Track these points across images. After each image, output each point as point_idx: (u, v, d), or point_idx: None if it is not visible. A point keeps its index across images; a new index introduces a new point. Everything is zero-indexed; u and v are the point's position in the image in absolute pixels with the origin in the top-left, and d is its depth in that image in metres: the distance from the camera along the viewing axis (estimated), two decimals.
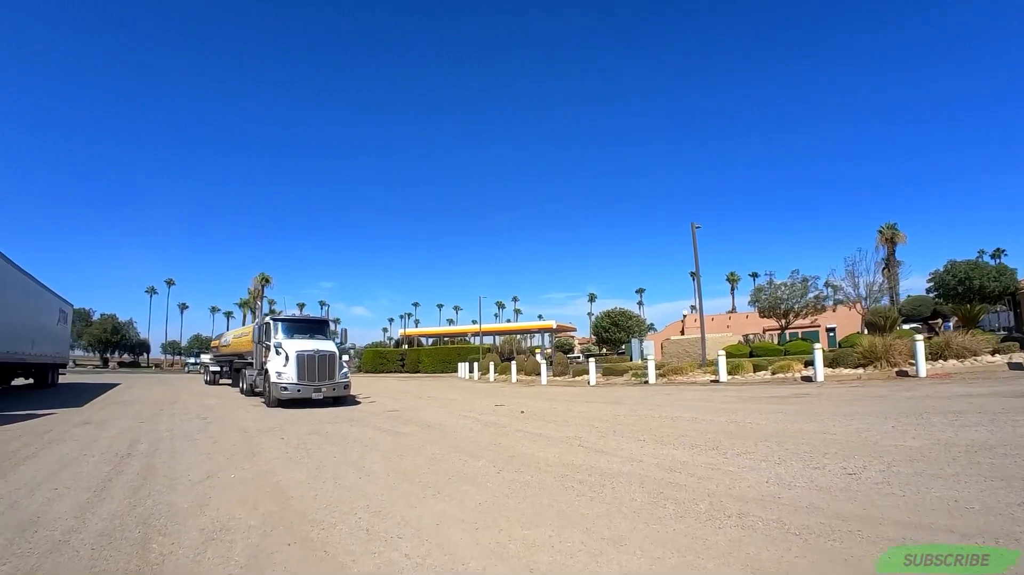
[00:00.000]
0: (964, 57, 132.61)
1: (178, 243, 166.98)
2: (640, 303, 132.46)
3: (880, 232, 56.41)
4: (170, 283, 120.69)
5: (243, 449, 9.79)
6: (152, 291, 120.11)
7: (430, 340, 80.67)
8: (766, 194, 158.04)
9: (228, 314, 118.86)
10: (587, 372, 28.50)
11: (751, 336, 45.34)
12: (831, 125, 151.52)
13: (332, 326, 21.16)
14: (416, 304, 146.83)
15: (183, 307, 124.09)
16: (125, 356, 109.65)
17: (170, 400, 21.82)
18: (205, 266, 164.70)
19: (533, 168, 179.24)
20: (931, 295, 43.21)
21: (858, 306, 37.40)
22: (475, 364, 42.40)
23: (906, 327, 36.72)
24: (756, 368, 23.22)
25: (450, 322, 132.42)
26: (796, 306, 37.06)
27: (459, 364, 47.11)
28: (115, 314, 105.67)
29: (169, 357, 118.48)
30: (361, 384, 37.41)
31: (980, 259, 37.84)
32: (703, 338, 27.85)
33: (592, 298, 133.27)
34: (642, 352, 56.99)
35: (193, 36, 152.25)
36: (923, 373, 17.95)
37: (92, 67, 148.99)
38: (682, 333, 63.28)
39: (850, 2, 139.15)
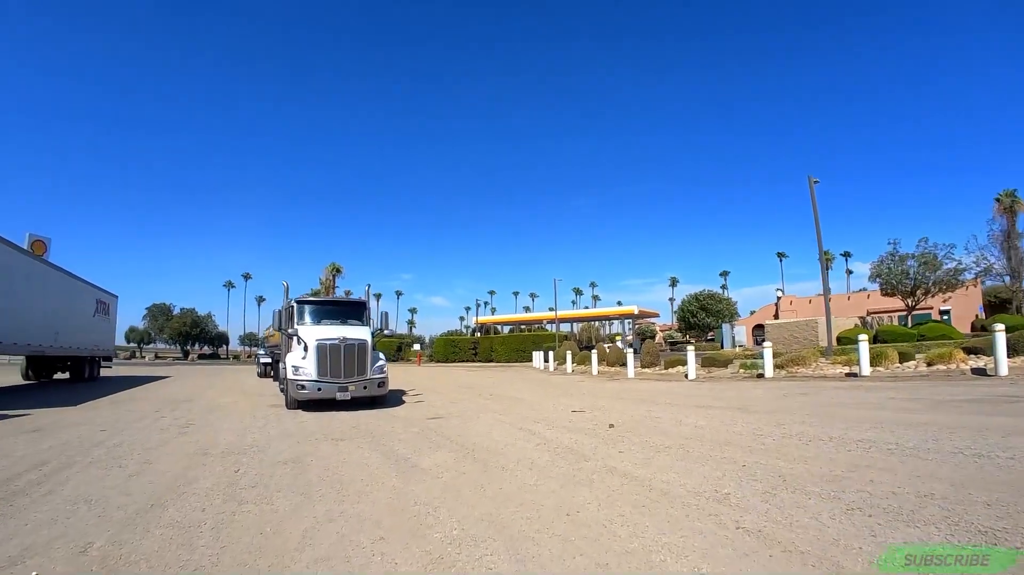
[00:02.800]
0: None
1: (257, 238, 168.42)
2: (724, 287, 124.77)
3: (998, 200, 49.84)
4: (247, 277, 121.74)
5: (152, 493, 6.07)
6: (230, 285, 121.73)
7: (507, 328, 78.09)
8: (854, 171, 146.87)
9: None
10: (682, 363, 23.89)
11: (869, 318, 39.51)
12: (914, 94, 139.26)
13: (369, 310, 17.38)
14: (492, 292, 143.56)
15: (260, 300, 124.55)
16: (205, 348, 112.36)
17: (188, 398, 18.64)
18: (283, 260, 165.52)
19: (606, 152, 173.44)
20: None
21: (977, 286, 31.52)
22: (551, 353, 38.27)
23: None
24: (903, 357, 18.24)
25: (526, 309, 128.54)
26: (930, 281, 31.04)
27: (534, 353, 43.15)
28: (194, 308, 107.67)
29: (247, 349, 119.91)
30: (423, 375, 34.39)
31: None
32: (828, 320, 22.79)
33: (673, 282, 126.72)
34: (733, 338, 52.17)
35: (279, 24, 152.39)
36: None
37: (184, 60, 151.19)
38: (776, 317, 58.01)
39: None
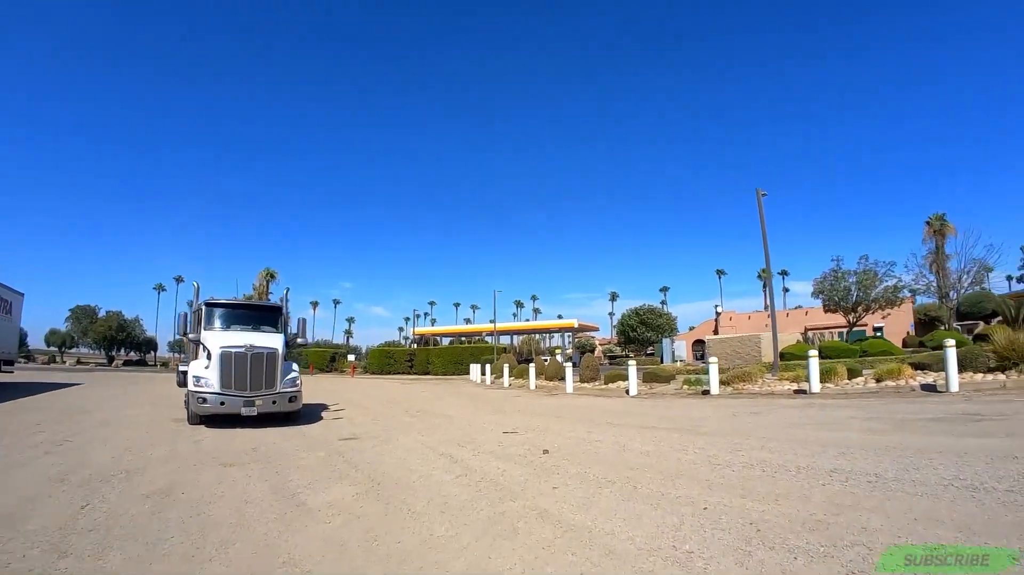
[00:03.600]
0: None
1: (192, 241, 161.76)
2: (663, 302, 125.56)
3: (928, 223, 51.46)
4: (179, 280, 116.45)
5: None
6: (160, 288, 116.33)
7: (447, 340, 76.69)
8: (791, 190, 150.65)
9: None
10: (623, 378, 22.83)
11: (810, 335, 39.42)
12: (854, 118, 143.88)
13: (287, 316, 15.74)
14: (432, 303, 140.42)
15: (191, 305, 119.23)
16: (132, 354, 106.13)
17: (88, 408, 16.83)
18: (219, 264, 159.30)
19: (554, 167, 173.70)
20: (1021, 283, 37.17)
21: (910, 303, 31.77)
22: (488, 366, 36.89)
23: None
24: (851, 373, 17.52)
25: (467, 321, 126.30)
26: (870, 299, 30.92)
27: (471, 366, 41.65)
28: (121, 311, 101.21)
29: (176, 355, 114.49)
30: (353, 388, 32.82)
31: None
32: (775, 335, 21.99)
33: (614, 297, 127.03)
34: (673, 353, 51.75)
35: (198, 31, 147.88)
36: None
37: (101, 65, 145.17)
38: (715, 332, 58.02)
39: None
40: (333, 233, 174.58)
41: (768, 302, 22.26)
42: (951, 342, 14.77)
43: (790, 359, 23.42)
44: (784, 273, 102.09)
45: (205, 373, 12.85)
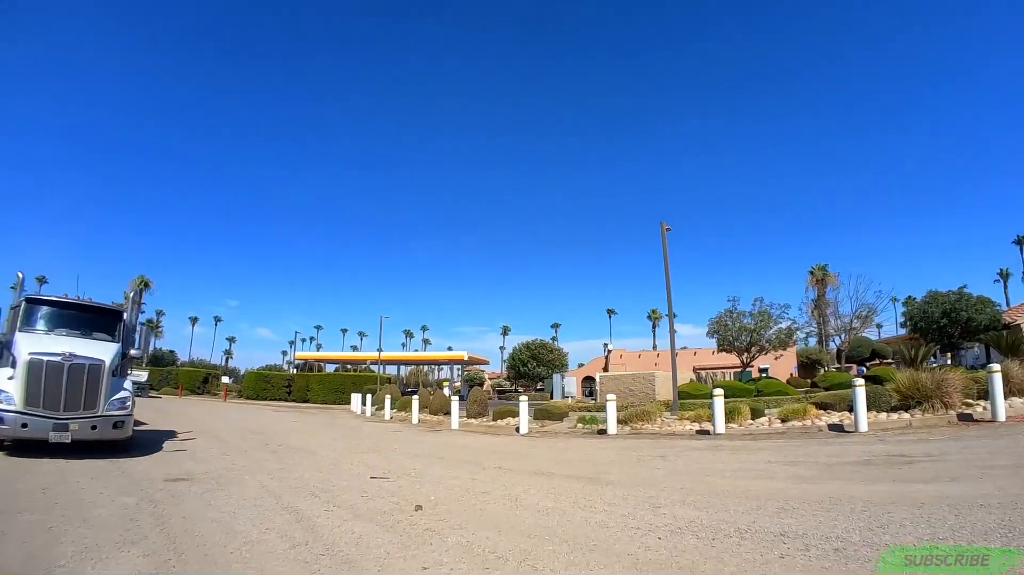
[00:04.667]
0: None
1: (61, 241, 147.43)
2: (554, 339, 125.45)
3: (811, 273, 54.37)
4: (42, 280, 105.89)
5: None
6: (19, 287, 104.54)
7: (333, 367, 73.32)
8: (686, 233, 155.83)
9: None
10: (513, 414, 21.14)
11: (703, 374, 39.21)
12: (752, 159, 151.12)
13: (129, 323, 13.23)
14: (319, 327, 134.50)
15: None
16: None
17: None
18: (91, 269, 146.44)
19: (448, 196, 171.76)
20: (903, 328, 38.54)
21: (791, 346, 32.29)
22: (370, 396, 34.34)
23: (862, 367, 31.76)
24: (754, 413, 16.57)
25: (354, 348, 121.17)
26: (764, 339, 30.84)
27: (352, 395, 38.68)
28: None
29: None
30: (218, 413, 29.96)
31: (964, 291, 32.83)
32: (674, 373, 21.01)
33: (505, 331, 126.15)
34: (563, 389, 50.71)
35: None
36: (1002, 415, 13.20)
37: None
38: (605, 369, 57.53)
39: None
40: (220, 247, 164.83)
41: (669, 338, 21.49)
42: (860, 381, 14.43)
43: (686, 398, 22.49)
44: (672, 315, 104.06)
45: (6, 385, 10.31)
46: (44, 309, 12.36)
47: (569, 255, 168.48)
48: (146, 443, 13.48)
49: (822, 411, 16.15)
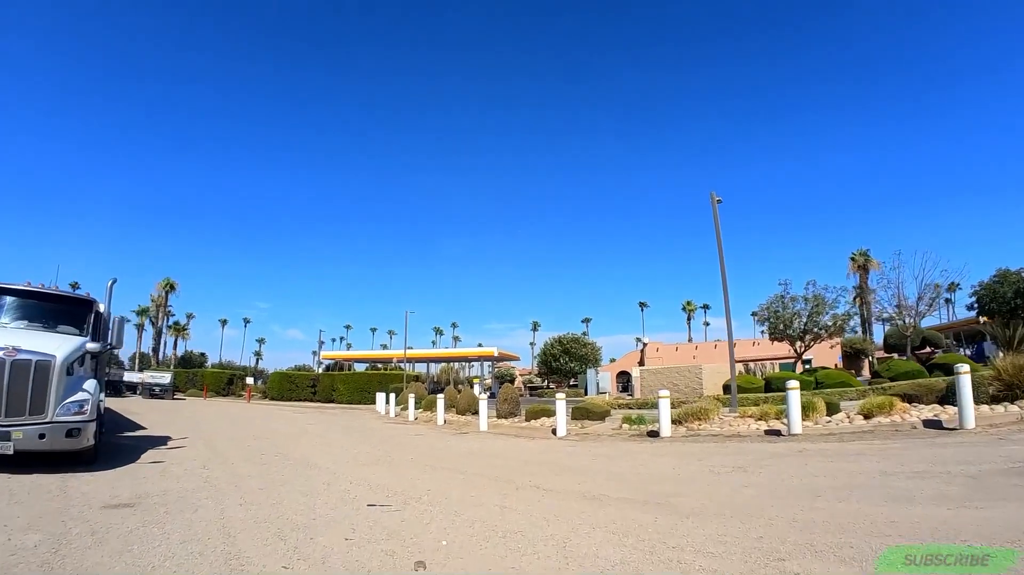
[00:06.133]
0: None
1: (97, 248, 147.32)
2: (585, 334, 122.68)
3: (852, 259, 51.38)
4: (75, 287, 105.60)
5: None
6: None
7: (363, 365, 71.08)
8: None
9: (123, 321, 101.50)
10: (547, 414, 18.90)
11: (751, 366, 36.62)
12: (781, 153, 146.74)
13: (102, 316, 11.38)
14: (348, 327, 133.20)
15: None
16: None
17: None
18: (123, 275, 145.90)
19: (481, 196, 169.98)
20: (973, 312, 35.54)
21: (835, 336, 29.58)
22: (395, 396, 32.37)
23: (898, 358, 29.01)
24: (829, 409, 14.23)
25: (383, 347, 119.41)
26: (818, 326, 28.11)
27: (378, 395, 36.70)
28: None
29: None
30: (233, 415, 28.30)
31: None
32: (732, 365, 18.56)
33: (535, 327, 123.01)
34: (598, 384, 48.27)
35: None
36: None
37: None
38: (641, 363, 55.03)
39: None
40: (250, 251, 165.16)
41: (726, 323, 18.98)
42: (964, 367, 11.92)
43: (739, 391, 20.15)
44: (706, 307, 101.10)
45: None
46: (4, 298, 10.65)
47: (598, 247, 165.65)
48: (123, 452, 11.63)
49: (908, 404, 13.83)
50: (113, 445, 13.00)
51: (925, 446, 9.95)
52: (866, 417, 13.17)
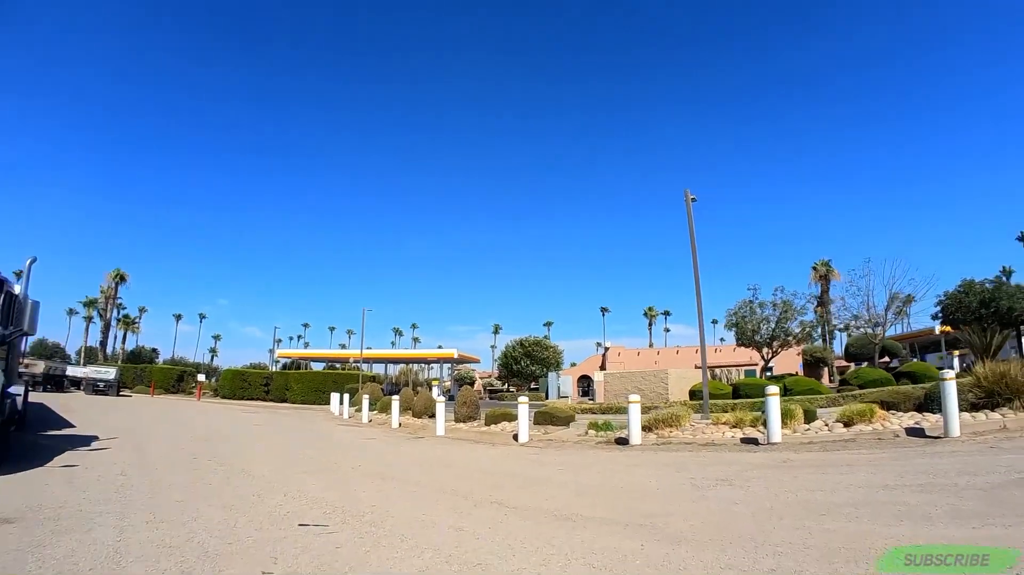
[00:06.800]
0: None
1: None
2: (547, 337, 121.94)
3: (814, 269, 51.54)
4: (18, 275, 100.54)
5: None
6: None
7: (320, 365, 70.34)
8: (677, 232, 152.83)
9: (71, 312, 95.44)
10: (508, 418, 17.91)
11: (718, 372, 36.13)
12: (734, 160, 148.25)
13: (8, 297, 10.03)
14: (307, 325, 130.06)
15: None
16: None
17: None
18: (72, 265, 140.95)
19: (445, 197, 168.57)
20: (935, 323, 35.61)
21: (802, 343, 29.40)
22: (348, 397, 31.06)
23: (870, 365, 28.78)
24: (806, 416, 13.55)
25: (342, 346, 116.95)
26: (787, 332, 27.68)
27: (332, 395, 35.21)
28: None
29: None
30: (181, 414, 27.21)
31: (1001, 279, 30.01)
32: (704, 370, 18.03)
33: (497, 329, 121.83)
34: (559, 388, 47.41)
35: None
36: None
37: None
38: (602, 368, 54.51)
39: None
40: (212, 248, 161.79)
41: (698, 326, 18.46)
42: (950, 373, 11.26)
43: (699, 398, 19.46)
44: (667, 313, 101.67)
45: None
46: None
47: (560, 250, 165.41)
48: (36, 453, 10.56)
49: (893, 412, 13.44)
50: (29, 445, 11.94)
51: (916, 456, 9.25)
52: (846, 425, 12.49)
